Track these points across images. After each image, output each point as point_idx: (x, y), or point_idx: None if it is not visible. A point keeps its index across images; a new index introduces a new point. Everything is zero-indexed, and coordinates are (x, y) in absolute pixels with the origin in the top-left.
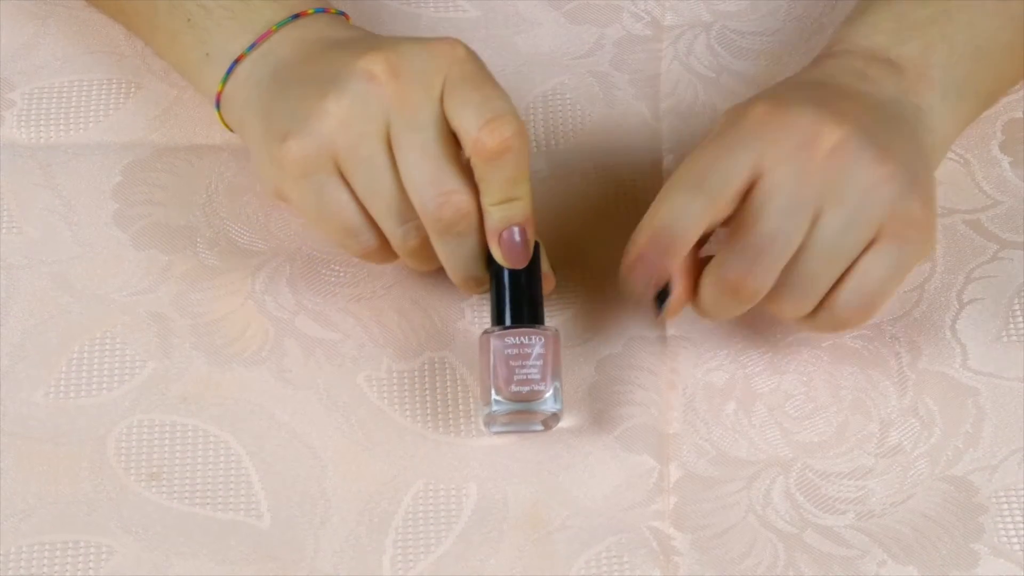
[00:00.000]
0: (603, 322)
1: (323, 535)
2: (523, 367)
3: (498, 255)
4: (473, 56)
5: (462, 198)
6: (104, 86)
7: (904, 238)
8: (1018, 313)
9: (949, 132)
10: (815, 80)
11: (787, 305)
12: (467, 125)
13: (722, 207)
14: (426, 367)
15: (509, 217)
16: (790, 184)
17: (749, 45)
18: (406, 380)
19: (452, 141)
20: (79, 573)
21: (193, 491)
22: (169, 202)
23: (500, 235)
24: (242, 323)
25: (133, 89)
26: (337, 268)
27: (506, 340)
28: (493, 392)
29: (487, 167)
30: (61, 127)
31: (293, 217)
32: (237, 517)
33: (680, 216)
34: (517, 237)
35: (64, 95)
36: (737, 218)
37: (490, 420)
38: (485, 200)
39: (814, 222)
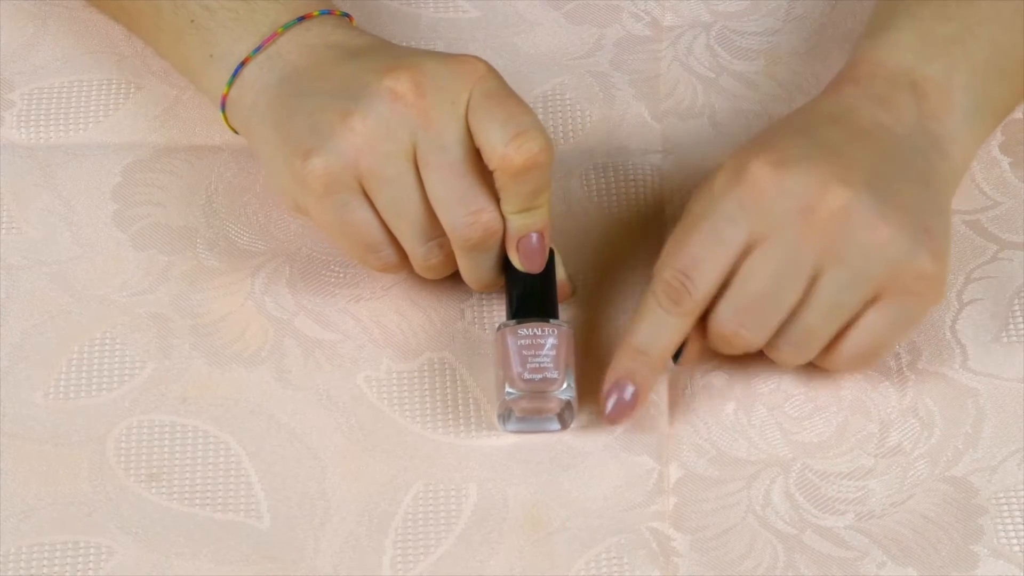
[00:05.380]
0: (602, 322)
1: (323, 536)
2: (536, 356)
3: (516, 260)
4: (495, 73)
5: (491, 216)
6: (104, 86)
7: (910, 293)
8: (1018, 314)
9: (968, 154)
10: (832, 114)
11: (785, 355)
12: (493, 141)
13: (702, 307)
14: (425, 368)
15: (529, 225)
16: (788, 248)
17: (749, 45)
18: (405, 381)
19: (478, 158)
20: (79, 574)
21: (193, 492)
22: (169, 203)
23: (518, 241)
24: (242, 324)
25: (133, 90)
26: (337, 269)
27: (519, 332)
28: (507, 384)
29: (511, 181)
30: (61, 127)
31: (293, 218)
32: (237, 518)
33: (655, 335)
34: (535, 243)
35: (64, 95)
36: (736, 272)
37: (505, 413)
38: (505, 208)
39: (814, 280)
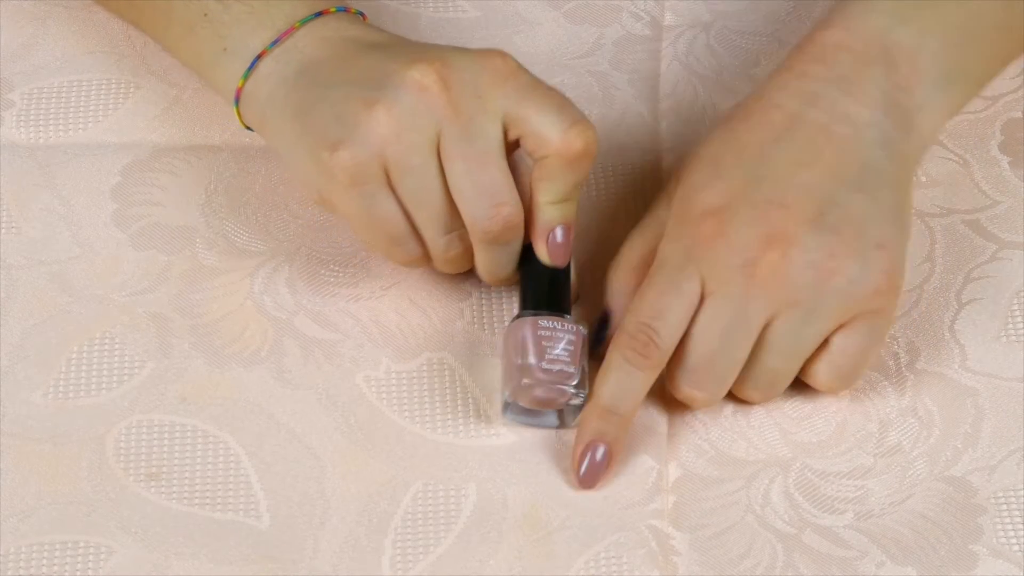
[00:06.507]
0: None
1: (322, 535)
2: (554, 348)
3: (543, 253)
4: (521, 66)
5: (512, 210)
6: (103, 86)
7: (871, 311)
8: (1017, 313)
9: (937, 124)
10: (789, 115)
11: (754, 398)
12: (548, 129)
13: (667, 357)
14: (424, 368)
15: (563, 216)
16: (733, 304)
17: (749, 45)
18: (404, 380)
19: (503, 152)
20: (78, 573)
21: (192, 491)
22: (168, 202)
23: (547, 234)
24: (241, 323)
25: (132, 89)
26: (336, 268)
27: (540, 323)
28: (521, 373)
29: (564, 169)
30: (60, 127)
31: (292, 218)
32: (236, 517)
33: (625, 393)
34: (561, 237)
35: (63, 95)
36: (690, 330)
37: (510, 403)
38: (543, 198)
39: (767, 326)
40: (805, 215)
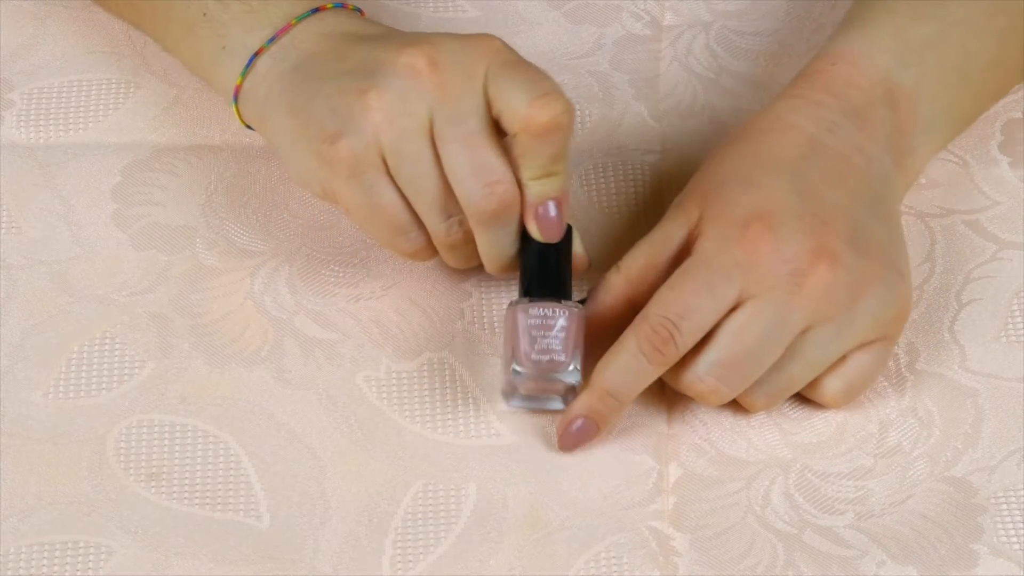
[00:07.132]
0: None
1: (322, 535)
2: (545, 337)
3: (533, 229)
4: (510, 47)
5: (506, 188)
6: (103, 86)
7: (886, 338)
8: (1017, 314)
9: (923, 166)
10: (812, 139)
11: (759, 404)
12: (516, 103)
13: (680, 357)
14: (425, 368)
15: (547, 192)
16: (778, 309)
17: (748, 45)
18: (405, 380)
19: (494, 131)
20: (78, 573)
21: (192, 491)
22: (168, 202)
23: (536, 209)
24: (241, 323)
25: (132, 89)
26: (336, 268)
27: (530, 311)
28: (514, 362)
29: (534, 143)
30: (60, 127)
31: (292, 218)
32: (236, 517)
33: (629, 381)
34: (553, 211)
35: (63, 95)
36: (719, 328)
37: (510, 391)
38: (525, 175)
39: (801, 333)
40: (843, 235)
